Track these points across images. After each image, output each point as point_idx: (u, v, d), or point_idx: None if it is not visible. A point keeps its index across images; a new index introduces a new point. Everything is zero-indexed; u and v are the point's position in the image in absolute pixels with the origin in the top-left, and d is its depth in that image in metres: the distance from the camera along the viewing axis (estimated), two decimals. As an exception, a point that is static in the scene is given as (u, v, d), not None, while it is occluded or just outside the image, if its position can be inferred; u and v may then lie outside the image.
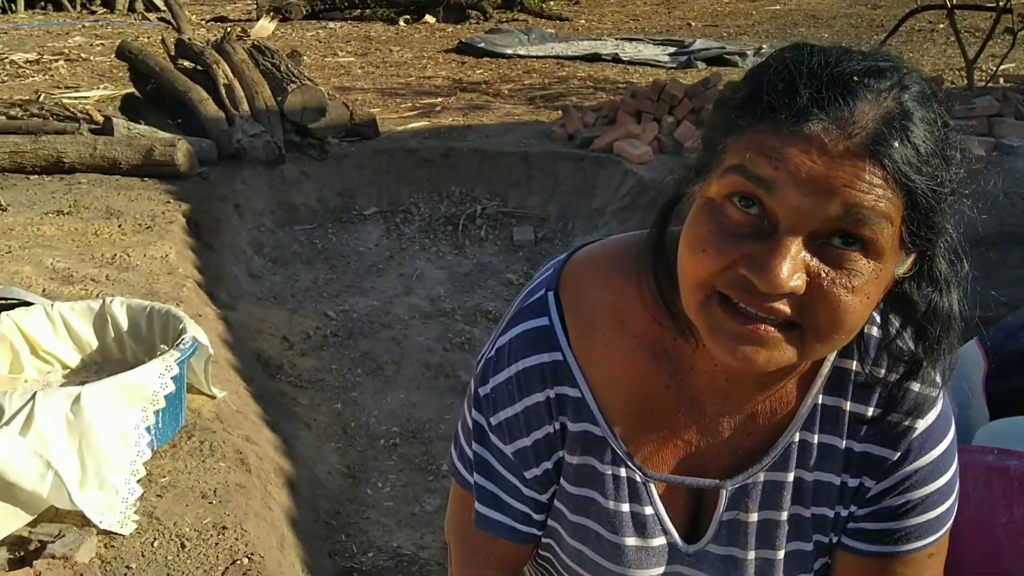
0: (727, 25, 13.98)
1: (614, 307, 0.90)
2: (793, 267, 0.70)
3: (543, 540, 1.00)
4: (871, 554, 0.90)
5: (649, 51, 10.87)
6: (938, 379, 0.86)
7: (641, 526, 0.92)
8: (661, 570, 0.93)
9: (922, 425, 0.87)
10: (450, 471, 1.04)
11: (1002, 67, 7.57)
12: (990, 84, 7.13)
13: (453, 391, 3.96)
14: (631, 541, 0.92)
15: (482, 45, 11.29)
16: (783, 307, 0.72)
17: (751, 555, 0.91)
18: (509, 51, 11.13)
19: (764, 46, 10.86)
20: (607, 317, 0.90)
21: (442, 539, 3.03)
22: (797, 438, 0.88)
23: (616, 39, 12.10)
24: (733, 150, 0.73)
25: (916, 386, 0.86)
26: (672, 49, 10.88)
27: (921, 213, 0.71)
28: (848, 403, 0.88)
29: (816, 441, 0.88)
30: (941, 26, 10.71)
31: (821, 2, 15.75)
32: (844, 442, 0.88)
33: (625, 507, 0.92)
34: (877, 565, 0.91)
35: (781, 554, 0.91)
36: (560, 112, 7.09)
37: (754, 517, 0.90)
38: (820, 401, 0.88)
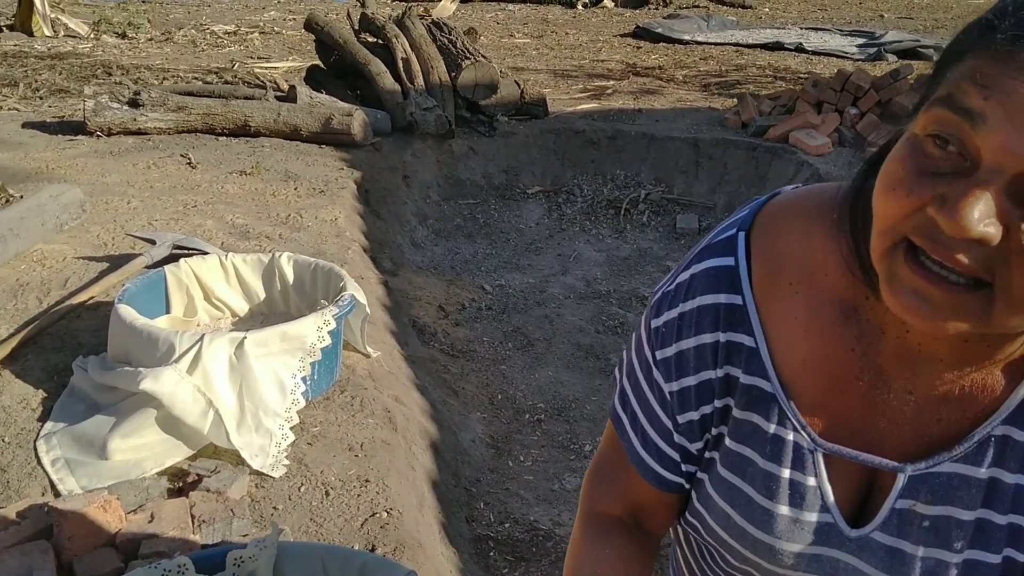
0: (923, 18, 13.20)
1: (807, 257, 0.82)
2: (985, 211, 0.59)
3: (692, 505, 0.93)
4: None
5: (836, 42, 10.39)
6: None
7: (799, 496, 0.84)
8: (812, 551, 0.84)
9: None
10: (611, 415, 1.00)
11: None
12: None
13: (602, 373, 3.91)
14: (784, 510, 0.84)
15: (659, 30, 11.13)
16: (967, 260, 0.61)
17: (920, 552, 0.80)
18: (687, 37, 10.92)
19: (964, 40, 10.17)
20: (798, 267, 0.82)
21: (579, 518, 3.00)
22: (999, 432, 0.76)
23: (801, 28, 11.65)
24: (947, 80, 0.63)
25: None
26: (861, 40, 10.38)
27: None
28: None
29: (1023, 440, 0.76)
30: None
31: (1033, -5, 14.61)
32: None
33: (785, 473, 0.84)
34: None
35: (957, 559, 0.79)
36: (735, 100, 6.87)
37: (932, 511, 0.79)
38: None
